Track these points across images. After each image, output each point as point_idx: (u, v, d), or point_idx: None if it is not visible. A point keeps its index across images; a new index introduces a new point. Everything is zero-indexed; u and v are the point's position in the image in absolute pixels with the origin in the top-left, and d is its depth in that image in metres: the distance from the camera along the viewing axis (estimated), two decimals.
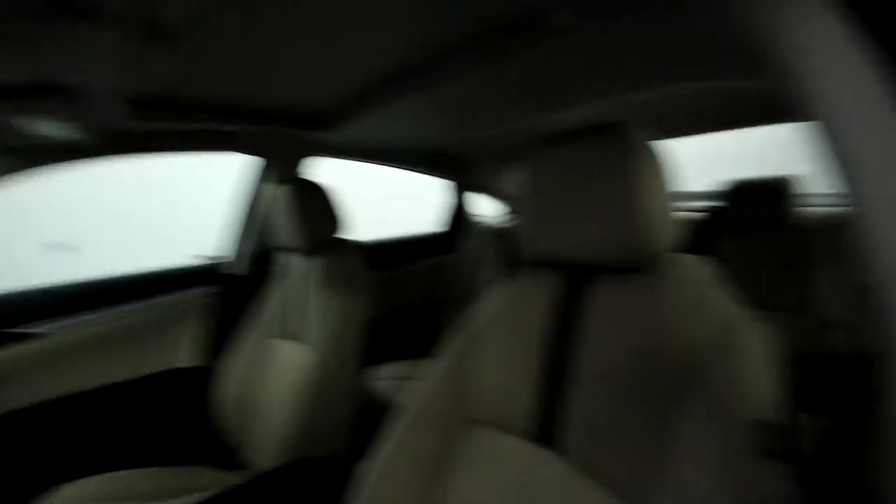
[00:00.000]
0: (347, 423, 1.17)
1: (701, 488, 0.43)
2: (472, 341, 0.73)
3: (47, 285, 1.35)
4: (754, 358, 0.47)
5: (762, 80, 0.95)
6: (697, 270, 0.57)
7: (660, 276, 0.57)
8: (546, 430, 0.60)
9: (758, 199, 1.33)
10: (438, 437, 0.70)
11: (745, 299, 0.52)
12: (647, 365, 0.51)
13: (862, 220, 0.27)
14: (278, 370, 1.29)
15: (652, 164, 0.58)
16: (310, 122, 1.37)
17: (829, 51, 0.28)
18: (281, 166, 1.55)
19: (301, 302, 1.26)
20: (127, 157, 1.28)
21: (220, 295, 1.57)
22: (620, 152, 0.57)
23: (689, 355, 0.48)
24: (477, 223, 2.33)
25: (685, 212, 1.89)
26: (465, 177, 2.11)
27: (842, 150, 0.28)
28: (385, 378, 1.80)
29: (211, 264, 1.62)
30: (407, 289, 2.09)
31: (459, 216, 2.29)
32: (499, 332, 0.70)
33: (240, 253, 1.59)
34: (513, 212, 2.45)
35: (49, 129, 0.96)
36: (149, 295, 1.45)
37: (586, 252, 0.61)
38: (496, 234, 2.29)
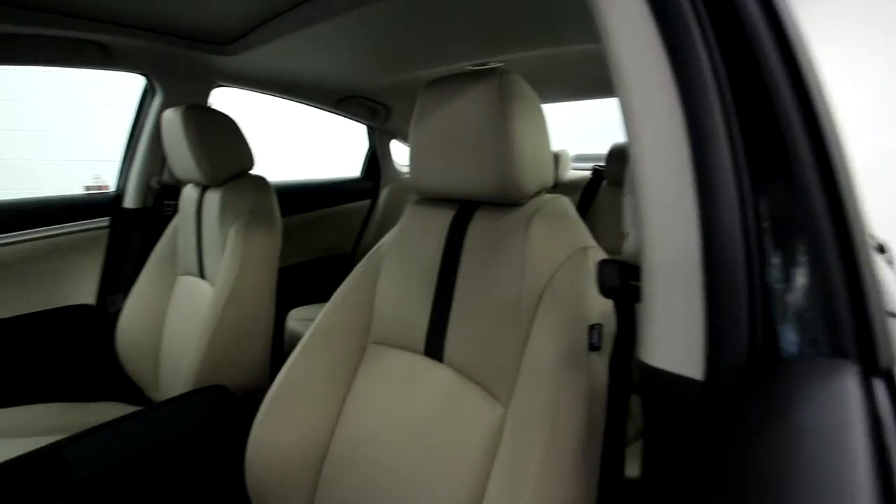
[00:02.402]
0: (262, 361, 1.19)
1: (550, 380, 0.54)
2: (374, 270, 0.80)
3: None
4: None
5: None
6: (562, 208, 0.67)
7: (530, 210, 0.65)
8: (437, 346, 0.70)
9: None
10: (343, 357, 0.77)
11: (609, 243, 0.64)
12: (515, 286, 0.61)
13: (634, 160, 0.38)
14: (186, 307, 1.28)
15: (529, 107, 0.64)
16: (206, 42, 1.27)
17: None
18: (173, 90, 1.44)
19: (207, 239, 1.23)
20: None
21: (116, 228, 1.49)
22: (498, 92, 0.62)
23: (547, 275, 0.59)
24: (393, 170, 2.36)
25: (576, 171, 2.10)
26: (382, 122, 2.11)
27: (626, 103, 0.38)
28: (298, 319, 1.85)
29: (105, 195, 1.51)
30: (318, 235, 2.08)
31: (375, 163, 2.30)
32: (398, 261, 0.78)
33: (134, 185, 1.50)
34: None
35: None
36: (38, 224, 1.34)
37: (467, 187, 0.68)
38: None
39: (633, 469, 0.50)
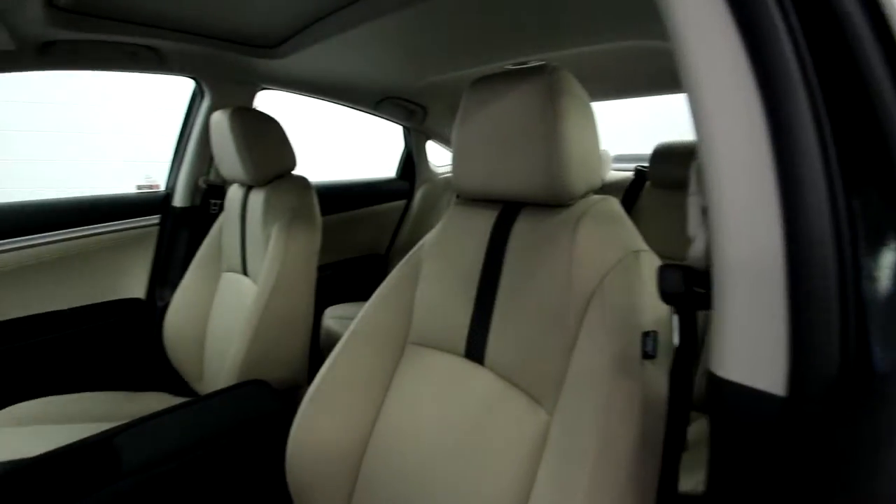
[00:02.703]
0: (301, 357, 1.21)
1: (600, 388, 0.51)
2: (414, 270, 0.79)
3: None
4: (649, 282, 0.56)
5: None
6: (611, 209, 0.65)
7: (578, 211, 0.63)
8: (478, 349, 0.68)
9: (675, 162, 1.47)
10: (383, 357, 0.77)
11: (653, 246, 0.61)
12: (561, 290, 0.59)
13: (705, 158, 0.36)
14: (229, 303, 1.32)
15: (579, 105, 0.62)
16: (253, 47, 1.31)
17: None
18: (221, 93, 1.50)
19: (251, 237, 1.26)
20: (50, 69, 1.20)
21: (165, 226, 1.55)
22: (547, 89, 0.60)
23: (596, 279, 0.57)
24: (428, 171, 2.37)
25: (616, 171, 2.04)
26: (418, 123, 2.12)
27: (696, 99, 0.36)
28: (333, 317, 1.88)
29: (155, 194, 1.58)
30: (353, 235, 2.10)
31: (411, 163, 2.31)
32: (439, 262, 0.77)
33: (182, 184, 1.56)
34: None
35: None
36: (93, 221, 1.41)
37: (512, 188, 0.66)
38: (447, 183, 2.36)
39: (684, 483, 0.48)
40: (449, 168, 2.47)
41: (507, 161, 0.65)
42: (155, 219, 1.53)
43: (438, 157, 2.44)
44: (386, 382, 0.77)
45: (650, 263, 0.58)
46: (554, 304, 0.60)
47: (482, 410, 0.65)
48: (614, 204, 0.66)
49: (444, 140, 2.29)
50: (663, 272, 0.39)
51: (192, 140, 1.54)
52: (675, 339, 0.42)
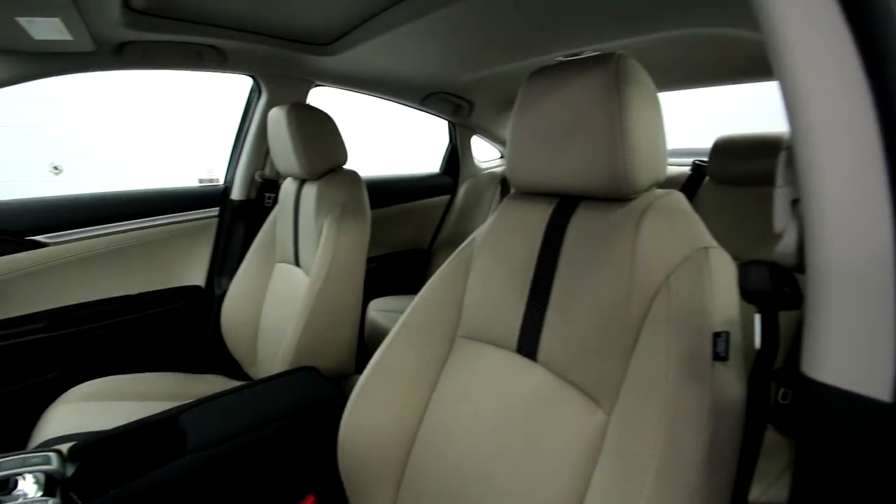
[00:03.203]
0: (349, 347, 1.24)
1: (666, 390, 0.49)
2: (466, 263, 0.79)
3: (64, 196, 1.40)
4: (720, 280, 0.53)
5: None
6: (677, 204, 0.62)
7: (641, 205, 0.60)
8: (530, 345, 0.67)
9: (737, 156, 1.39)
10: (433, 349, 0.77)
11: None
12: (622, 286, 0.57)
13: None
14: (282, 293, 1.37)
15: (647, 95, 0.60)
16: (309, 44, 1.34)
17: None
18: (277, 90, 1.55)
19: (303, 229, 1.30)
20: (123, 69, 1.29)
21: (224, 218, 1.63)
22: (614, 78, 0.58)
23: (661, 276, 0.54)
24: (472, 166, 2.36)
25: (672, 166, 1.95)
26: (464, 118, 2.11)
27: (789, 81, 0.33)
28: (378, 309, 1.91)
29: (215, 188, 1.66)
30: (397, 229, 2.13)
31: (455, 159, 2.31)
32: (491, 256, 0.76)
33: (240, 178, 1.63)
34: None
35: (50, 32, 0.97)
36: (157, 213, 1.50)
37: (571, 181, 0.64)
38: (491, 179, 2.34)
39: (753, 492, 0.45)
40: (493, 163, 2.47)
41: (566, 153, 0.63)
42: (214, 211, 1.61)
43: (483, 152, 2.43)
44: (435, 374, 0.77)
45: (720, 261, 0.55)
46: (614, 302, 0.58)
47: (534, 407, 0.64)
48: (680, 198, 0.63)
49: (490, 135, 2.27)
50: (748, 268, 0.37)
51: (249, 136, 1.60)
52: (757, 341, 0.39)
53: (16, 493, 0.69)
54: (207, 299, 1.61)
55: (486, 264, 0.77)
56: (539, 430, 0.62)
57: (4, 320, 1.29)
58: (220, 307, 1.46)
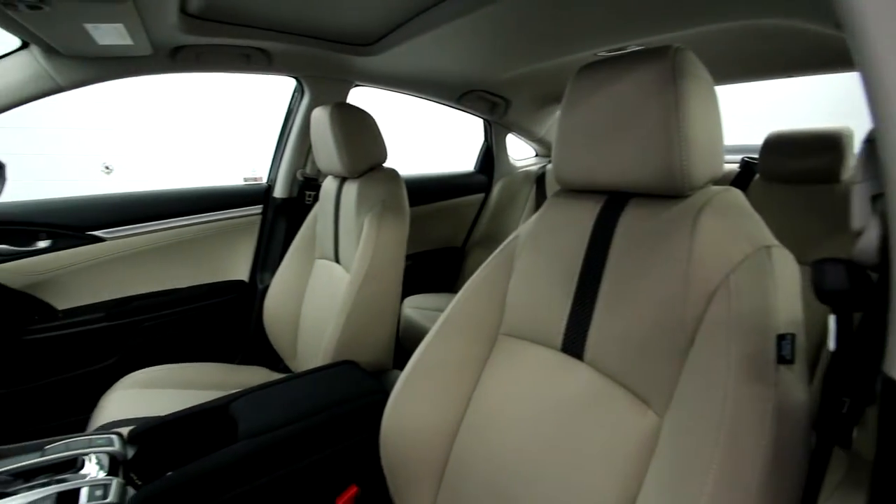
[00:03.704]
0: (388, 342, 1.26)
1: (726, 393, 0.47)
2: (508, 261, 0.78)
3: (119, 194, 1.48)
4: (783, 280, 0.51)
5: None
6: (736, 201, 0.60)
7: (698, 202, 0.59)
8: (576, 344, 0.66)
9: (790, 153, 1.33)
10: (474, 346, 0.77)
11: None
12: (677, 285, 0.56)
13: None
14: (322, 288, 1.40)
15: (705, 89, 0.58)
16: (351, 45, 1.37)
17: None
18: (319, 91, 1.59)
19: (344, 226, 1.32)
20: (177, 72, 1.34)
21: (266, 215, 1.68)
22: (671, 72, 0.56)
23: (720, 276, 0.52)
24: (507, 165, 2.35)
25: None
26: (500, 116, 2.11)
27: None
28: (413, 306, 1.93)
29: (259, 186, 1.72)
30: (432, 227, 2.14)
31: (490, 157, 2.30)
32: (535, 253, 0.75)
33: (282, 177, 1.68)
34: (544, 155, 2.46)
35: (114, 37, 1.03)
36: (205, 210, 1.57)
37: (622, 177, 0.63)
38: (526, 178, 2.32)
39: None
40: (527, 162, 2.45)
41: (617, 149, 0.62)
42: (258, 209, 1.67)
43: (517, 151, 2.42)
44: (477, 371, 0.77)
45: (783, 260, 0.53)
46: (667, 302, 0.57)
47: (582, 406, 0.63)
48: (738, 195, 0.61)
49: (526, 133, 2.26)
50: (824, 267, 0.36)
51: (291, 136, 1.65)
52: (832, 343, 0.37)
53: (83, 472, 0.74)
54: (251, 294, 1.66)
55: (530, 262, 0.76)
56: (587, 429, 0.61)
57: (69, 310, 1.38)
58: (263, 301, 1.50)
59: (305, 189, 1.68)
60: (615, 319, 0.62)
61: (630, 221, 0.65)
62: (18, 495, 0.67)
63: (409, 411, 0.76)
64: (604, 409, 0.61)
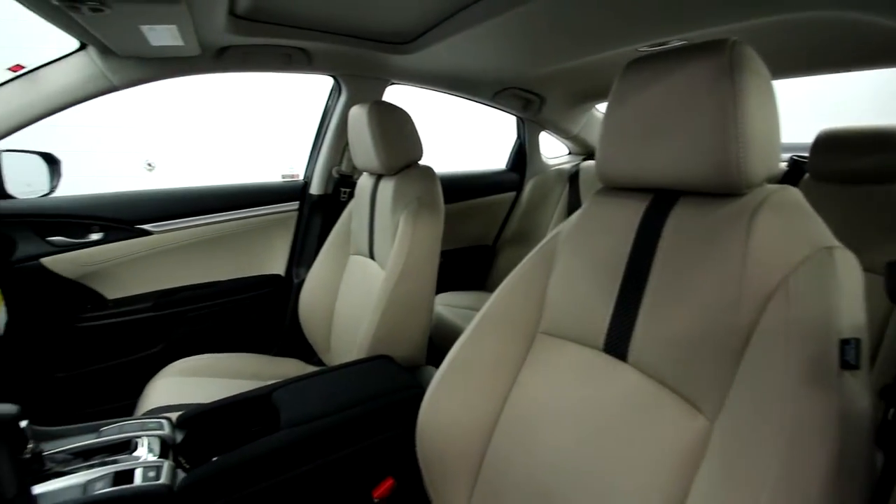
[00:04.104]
0: (421, 338, 1.26)
1: (784, 400, 0.45)
2: (548, 259, 0.77)
3: (164, 189, 1.55)
4: (846, 282, 0.49)
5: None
6: (794, 200, 0.57)
7: (754, 200, 0.57)
8: (620, 344, 0.65)
9: (843, 151, 1.27)
10: (512, 344, 0.77)
11: None
12: (731, 287, 0.54)
13: None
14: (356, 284, 1.42)
15: (763, 83, 0.56)
16: (390, 44, 1.38)
17: None
18: (356, 89, 1.61)
19: (379, 223, 1.34)
20: (221, 72, 1.39)
21: (303, 212, 1.72)
22: (728, 66, 0.55)
23: (778, 277, 0.50)
24: (540, 163, 2.33)
25: None
26: (534, 113, 2.09)
27: None
28: (444, 304, 1.94)
29: (296, 183, 1.76)
30: (463, 225, 2.14)
31: (522, 155, 2.28)
32: (577, 252, 0.74)
33: (319, 174, 1.71)
34: (578, 153, 2.43)
35: (166, 38, 1.07)
36: (244, 206, 1.62)
37: (673, 175, 0.61)
38: (559, 176, 2.30)
39: None
40: (561, 160, 2.42)
41: (667, 146, 0.61)
42: (294, 205, 1.71)
43: (550, 149, 2.39)
44: (514, 369, 0.77)
45: (846, 262, 0.51)
46: (721, 303, 0.55)
47: (626, 408, 0.62)
48: (796, 194, 0.59)
49: (560, 130, 2.23)
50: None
51: (328, 133, 1.68)
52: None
53: (135, 454, 0.77)
54: (287, 288, 1.71)
55: (572, 261, 0.75)
56: (631, 430, 0.60)
57: (118, 299, 1.45)
58: (298, 296, 1.54)
59: (340, 186, 1.71)
60: (662, 321, 0.61)
61: (679, 220, 0.63)
62: (79, 473, 0.70)
63: (446, 407, 0.77)
64: (649, 412, 0.60)
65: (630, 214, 0.68)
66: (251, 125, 5.50)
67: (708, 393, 0.55)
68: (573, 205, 2.10)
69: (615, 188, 0.73)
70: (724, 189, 0.58)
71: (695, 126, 0.57)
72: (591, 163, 2.07)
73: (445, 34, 1.23)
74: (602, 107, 2.22)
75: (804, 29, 1.09)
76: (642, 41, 1.26)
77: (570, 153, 2.46)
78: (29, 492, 0.46)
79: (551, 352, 0.75)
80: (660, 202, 0.66)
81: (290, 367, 1.43)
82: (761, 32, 1.11)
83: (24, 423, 0.67)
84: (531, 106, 2.02)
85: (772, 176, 0.60)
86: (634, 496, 0.57)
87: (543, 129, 2.24)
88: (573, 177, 2.20)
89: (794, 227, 0.54)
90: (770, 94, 0.58)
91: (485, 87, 1.86)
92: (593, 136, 2.28)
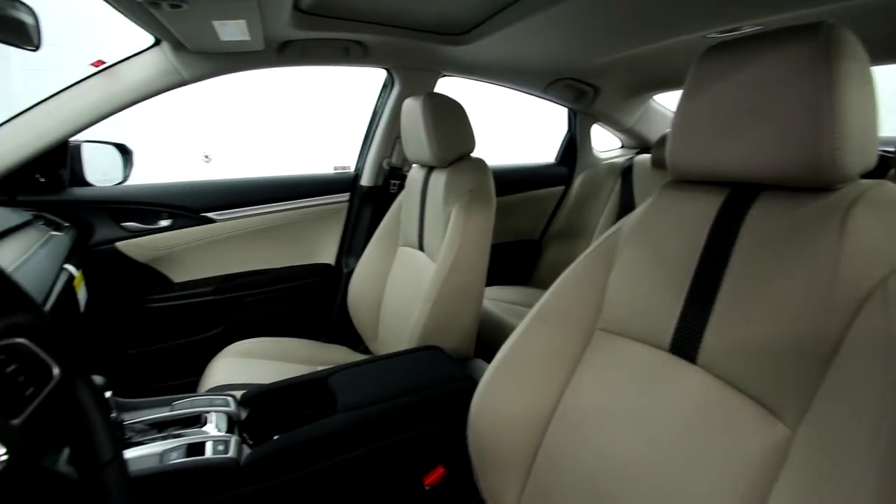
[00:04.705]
0: (471, 331, 1.26)
1: (884, 410, 0.42)
2: (609, 254, 0.75)
3: (225, 180, 1.63)
4: None
5: None
6: (892, 195, 0.53)
7: (848, 196, 0.53)
8: (689, 345, 0.62)
9: None
10: (568, 340, 0.75)
11: None
12: (821, 288, 0.50)
13: None
14: (404, 275, 1.44)
15: (862, 69, 0.52)
16: (444, 35, 1.38)
17: None
18: (408, 82, 1.62)
19: (430, 215, 1.34)
20: (283, 66, 1.43)
21: (353, 203, 1.76)
22: (824, 52, 0.51)
23: (876, 279, 0.47)
24: (590, 157, 2.26)
25: None
26: (587, 105, 2.03)
27: None
28: (490, 298, 1.93)
29: (347, 175, 1.80)
30: (510, 219, 2.11)
31: (572, 148, 2.23)
32: (642, 247, 0.71)
33: (370, 166, 1.74)
34: (632, 147, 2.34)
35: (235, 33, 1.12)
36: (299, 196, 1.67)
37: (755, 167, 0.58)
38: (610, 170, 2.23)
39: None
40: (613, 153, 2.34)
41: (750, 136, 0.57)
42: (345, 196, 1.75)
43: (601, 142, 2.32)
44: (571, 364, 0.75)
45: None
46: (807, 306, 0.51)
47: (694, 411, 0.59)
48: (894, 189, 0.54)
49: (614, 122, 2.15)
50: None
51: (380, 126, 1.71)
52: None
53: (204, 428, 0.82)
54: (336, 277, 1.75)
55: (636, 256, 0.72)
56: (701, 435, 0.58)
57: (183, 283, 1.54)
58: (348, 285, 1.58)
59: (391, 178, 1.73)
60: (739, 323, 0.58)
61: (761, 216, 0.59)
62: (155, 443, 0.75)
63: (499, 399, 0.76)
64: (721, 417, 0.57)
65: (703, 208, 0.65)
66: (304, 119, 5.69)
67: (790, 400, 0.51)
68: (626, 200, 2.03)
69: (686, 181, 0.70)
70: (814, 183, 0.54)
71: (784, 115, 0.54)
72: (645, 156, 1.99)
73: (502, 24, 1.21)
74: (660, 97, 2.13)
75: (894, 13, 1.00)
76: (712, 27, 1.20)
77: (622, 146, 2.37)
78: (121, 456, 0.49)
79: (611, 350, 0.73)
80: (738, 196, 0.62)
81: (339, 354, 1.48)
82: (844, 16, 1.03)
83: (108, 394, 0.72)
84: (584, 97, 1.96)
85: (868, 170, 0.55)
86: (702, 503, 0.55)
87: (596, 121, 2.18)
88: (626, 171, 2.12)
89: (894, 226, 0.50)
90: (869, 82, 0.53)
91: (537, 79, 1.82)
92: (649, 129, 2.19)
